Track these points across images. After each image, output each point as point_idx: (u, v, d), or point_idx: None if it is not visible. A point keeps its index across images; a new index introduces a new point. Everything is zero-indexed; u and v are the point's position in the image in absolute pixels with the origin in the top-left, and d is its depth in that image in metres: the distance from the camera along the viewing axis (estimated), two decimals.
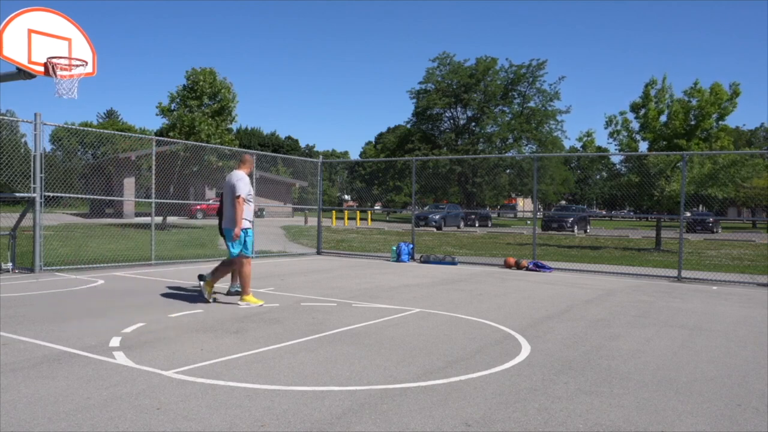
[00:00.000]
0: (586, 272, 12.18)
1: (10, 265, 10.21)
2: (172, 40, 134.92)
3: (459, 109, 50.85)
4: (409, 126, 53.89)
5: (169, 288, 8.68)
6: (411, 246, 14.35)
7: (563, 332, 6.00)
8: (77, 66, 9.80)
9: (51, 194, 10.68)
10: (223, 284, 8.42)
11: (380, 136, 72.70)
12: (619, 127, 19.36)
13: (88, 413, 3.43)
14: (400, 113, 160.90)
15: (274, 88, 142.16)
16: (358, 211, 40.48)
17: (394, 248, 14.39)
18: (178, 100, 24.37)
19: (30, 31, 9.25)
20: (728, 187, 17.76)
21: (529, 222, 48.80)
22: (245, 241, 7.29)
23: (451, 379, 4.25)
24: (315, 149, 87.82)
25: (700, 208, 32.48)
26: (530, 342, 5.52)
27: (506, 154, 47.70)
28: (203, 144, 21.74)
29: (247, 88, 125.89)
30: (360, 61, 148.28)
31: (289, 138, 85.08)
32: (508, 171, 49.19)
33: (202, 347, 5.04)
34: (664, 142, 18.61)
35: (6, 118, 13.43)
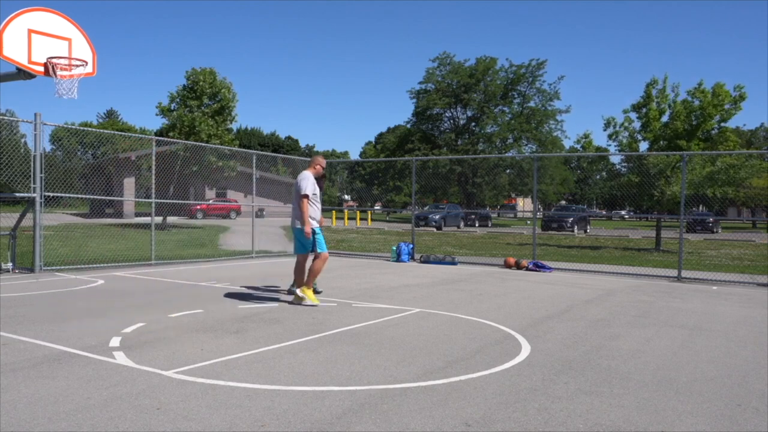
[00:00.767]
0: (586, 272, 12.18)
1: (10, 265, 10.21)
2: (172, 40, 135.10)
3: (459, 109, 50.87)
4: (409, 126, 53.90)
5: (169, 288, 8.68)
6: (411, 246, 14.35)
7: (563, 332, 6.00)
8: (77, 66, 9.81)
9: (51, 194, 10.68)
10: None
11: (380, 136, 72.71)
12: (618, 128, 19.35)
13: (88, 413, 3.43)
14: (400, 113, 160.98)
15: (274, 88, 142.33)
16: (358, 211, 40.47)
17: (394, 248, 14.40)
18: (178, 100, 24.37)
19: (30, 31, 9.25)
20: (728, 187, 17.77)
21: (529, 222, 48.81)
22: (314, 239, 7.33)
23: (451, 379, 4.25)
24: (315, 149, 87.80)
25: (700, 208, 32.46)
26: (530, 342, 5.52)
27: (506, 154, 47.70)
28: (203, 144, 21.74)
29: (247, 88, 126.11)
30: (360, 61, 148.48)
31: (289, 138, 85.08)
32: (508, 171, 49.20)
33: (202, 347, 5.04)
34: (665, 143, 18.61)
35: (6, 118, 13.43)
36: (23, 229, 10.91)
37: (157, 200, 12.63)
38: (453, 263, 13.35)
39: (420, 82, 51.40)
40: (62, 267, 10.64)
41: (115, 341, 5.19)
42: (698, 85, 18.32)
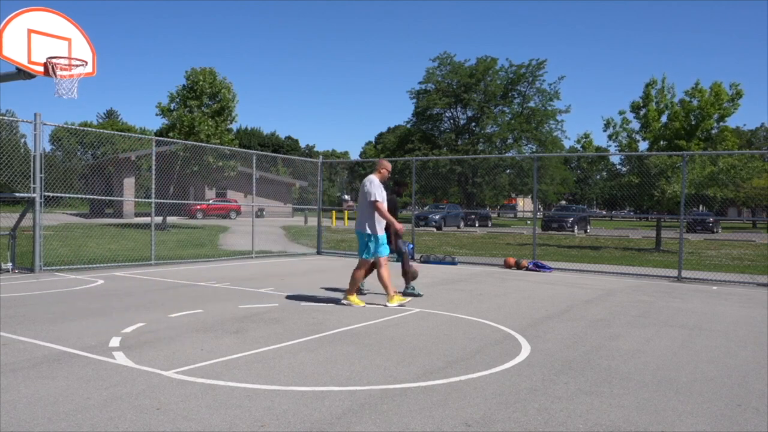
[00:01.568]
0: (586, 272, 12.18)
1: (10, 265, 10.20)
2: (172, 40, 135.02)
3: (459, 109, 50.85)
4: (409, 126, 53.87)
5: (169, 288, 8.68)
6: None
7: (563, 332, 6.00)
8: (77, 66, 9.80)
9: (51, 194, 10.68)
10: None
11: (380, 136, 72.72)
12: (618, 128, 19.36)
13: (88, 413, 3.43)
14: (400, 113, 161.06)
15: (274, 88, 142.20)
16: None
17: None
18: (177, 100, 24.37)
19: (30, 31, 9.25)
20: (728, 187, 17.77)
21: (529, 222, 48.80)
22: (372, 243, 7.30)
23: (451, 379, 4.24)
24: (315, 149, 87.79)
25: (701, 208, 32.47)
26: (530, 342, 5.52)
27: (506, 154, 47.69)
28: (203, 144, 21.74)
29: (247, 88, 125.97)
30: (360, 61, 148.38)
31: (289, 138, 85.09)
32: (508, 171, 49.16)
33: (202, 347, 5.04)
34: (665, 143, 18.61)
35: (6, 118, 13.43)
36: (23, 229, 10.91)
37: (157, 200, 12.63)
38: (453, 263, 13.35)
39: (420, 82, 51.42)
40: (62, 267, 10.63)
41: (114, 341, 5.19)
42: (695, 84, 18.35)
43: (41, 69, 9.40)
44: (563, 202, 65.44)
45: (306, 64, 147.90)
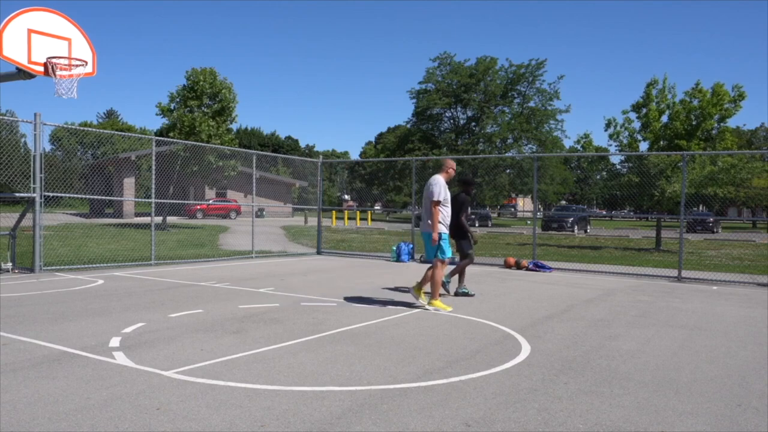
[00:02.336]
0: (586, 272, 12.18)
1: (10, 265, 10.20)
2: (172, 40, 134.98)
3: (459, 109, 50.86)
4: (409, 126, 53.89)
5: (169, 288, 8.68)
6: (411, 246, 14.35)
7: (563, 332, 6.00)
8: (77, 66, 9.80)
9: (51, 194, 10.68)
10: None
11: (380, 136, 72.72)
12: (619, 128, 19.37)
13: (88, 413, 3.43)
14: (400, 113, 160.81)
15: (274, 88, 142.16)
16: (358, 211, 40.47)
17: (394, 248, 14.39)
18: (178, 100, 24.38)
19: (30, 31, 9.25)
20: (728, 187, 17.77)
21: (529, 222, 48.80)
22: (440, 245, 7.20)
23: (451, 379, 4.24)
24: (315, 149, 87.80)
25: (701, 208, 32.47)
26: (530, 342, 5.52)
27: (506, 154, 47.68)
28: (203, 144, 21.75)
29: (247, 88, 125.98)
30: (360, 61, 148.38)
31: (289, 138, 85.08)
32: (508, 171, 49.16)
33: (202, 347, 5.04)
34: (665, 142, 18.61)
35: (6, 118, 13.43)
36: (23, 229, 10.91)
37: (157, 200, 12.63)
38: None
39: (420, 82, 51.45)
40: (62, 267, 10.63)
41: (114, 341, 5.19)
42: (696, 85, 18.34)
43: (41, 69, 9.40)
44: (563, 202, 65.46)
45: (306, 64, 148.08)
